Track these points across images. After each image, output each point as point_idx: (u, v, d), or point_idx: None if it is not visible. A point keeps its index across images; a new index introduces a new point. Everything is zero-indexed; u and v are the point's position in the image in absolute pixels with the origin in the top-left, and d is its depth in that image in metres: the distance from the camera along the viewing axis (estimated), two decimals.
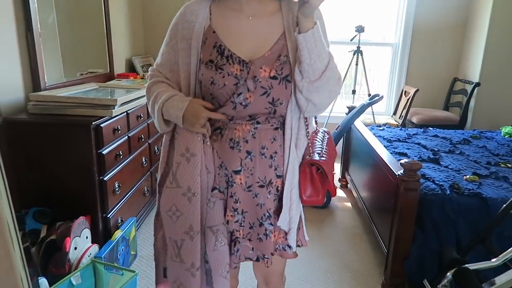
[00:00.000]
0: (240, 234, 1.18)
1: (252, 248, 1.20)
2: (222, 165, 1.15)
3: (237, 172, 1.14)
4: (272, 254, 1.20)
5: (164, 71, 1.18)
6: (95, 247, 1.91)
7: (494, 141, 2.92)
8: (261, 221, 1.17)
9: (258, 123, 1.13)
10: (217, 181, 1.17)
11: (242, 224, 1.18)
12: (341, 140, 3.25)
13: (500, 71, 3.84)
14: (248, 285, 2.01)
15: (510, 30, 3.75)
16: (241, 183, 1.15)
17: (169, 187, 1.14)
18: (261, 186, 1.16)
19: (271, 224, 1.18)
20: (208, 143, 1.13)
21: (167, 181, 1.14)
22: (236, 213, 1.16)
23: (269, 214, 1.17)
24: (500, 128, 3.22)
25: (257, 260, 1.20)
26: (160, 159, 1.21)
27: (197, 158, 1.10)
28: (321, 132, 1.33)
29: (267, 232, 1.17)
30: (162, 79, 1.17)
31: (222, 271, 1.15)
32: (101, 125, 1.96)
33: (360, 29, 3.69)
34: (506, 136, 3.05)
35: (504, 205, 1.64)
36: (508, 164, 2.36)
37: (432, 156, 2.45)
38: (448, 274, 1.51)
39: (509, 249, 1.49)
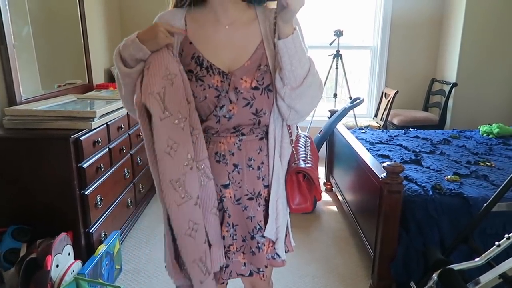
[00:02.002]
0: (233, 248, 1.16)
1: (244, 263, 1.18)
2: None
3: (226, 186, 1.13)
4: (266, 267, 1.19)
5: None
6: (78, 263, 1.86)
7: (473, 140, 2.98)
8: (252, 234, 1.16)
9: (242, 134, 1.12)
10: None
11: (235, 238, 1.16)
12: (324, 144, 3.26)
13: (475, 70, 3.94)
14: None
15: (483, 31, 3.85)
16: (230, 197, 1.13)
17: (163, 117, 1.02)
18: (250, 199, 1.15)
19: (262, 236, 1.17)
20: (180, 64, 1.06)
21: (159, 113, 1.02)
22: (229, 227, 1.14)
23: (260, 226, 1.16)
24: (478, 127, 3.29)
25: (251, 274, 1.18)
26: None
27: (178, 78, 1.04)
28: (303, 137, 1.33)
29: (259, 245, 1.16)
30: None
31: (212, 207, 1.10)
32: (81, 138, 1.92)
33: (338, 33, 3.73)
34: (484, 135, 3.12)
35: (485, 204, 1.66)
36: (487, 163, 2.41)
37: (413, 157, 2.48)
38: (433, 275, 1.53)
39: (492, 248, 1.51)
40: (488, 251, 1.52)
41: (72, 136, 1.86)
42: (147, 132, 1.06)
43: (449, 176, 2.14)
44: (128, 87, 1.08)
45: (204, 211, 1.09)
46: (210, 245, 1.11)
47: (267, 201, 1.18)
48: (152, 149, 1.05)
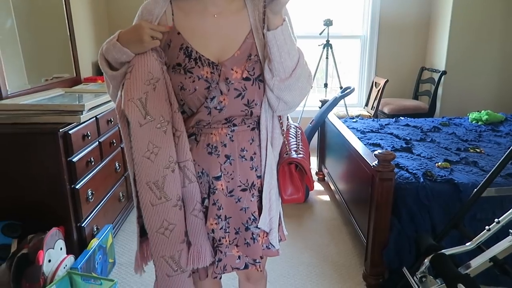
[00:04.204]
0: (226, 241, 1.15)
1: (239, 257, 1.17)
2: (203, 172, 1.12)
3: (217, 178, 1.12)
4: (262, 257, 1.19)
5: None
6: (71, 258, 1.85)
7: (463, 127, 3.01)
8: (246, 225, 1.15)
9: (234, 125, 1.11)
10: (201, 189, 1.13)
11: (227, 230, 1.15)
12: (316, 134, 3.27)
13: (464, 58, 3.97)
14: (230, 286, 2.00)
15: (471, 19, 3.87)
16: (222, 188, 1.12)
17: (144, 123, 1.02)
18: (244, 190, 1.14)
19: (257, 227, 1.16)
20: (164, 65, 1.05)
21: (139, 119, 1.02)
22: (220, 219, 1.13)
23: (254, 217, 1.16)
24: (468, 114, 3.32)
25: (246, 267, 1.18)
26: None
27: (161, 82, 1.03)
28: (293, 128, 1.32)
29: (254, 236, 1.16)
30: None
31: (193, 209, 1.11)
32: (69, 132, 1.89)
33: (328, 23, 3.72)
34: (473, 122, 3.15)
35: (475, 190, 1.68)
36: (476, 149, 2.43)
37: (404, 145, 2.50)
38: (425, 260, 1.54)
39: (482, 233, 1.53)
40: (478, 236, 1.54)
41: (60, 130, 1.83)
42: (126, 136, 1.07)
43: (439, 163, 2.16)
44: (115, 89, 1.08)
45: (186, 212, 1.11)
46: (189, 245, 1.13)
47: (260, 191, 1.18)
48: (131, 151, 1.06)
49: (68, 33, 2.89)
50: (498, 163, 1.61)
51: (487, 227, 1.52)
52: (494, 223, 1.51)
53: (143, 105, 1.01)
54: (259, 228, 1.17)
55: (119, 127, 1.11)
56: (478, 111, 3.23)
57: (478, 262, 1.46)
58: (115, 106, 1.07)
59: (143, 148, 1.03)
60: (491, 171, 1.63)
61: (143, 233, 1.14)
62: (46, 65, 2.67)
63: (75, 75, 2.96)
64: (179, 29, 1.06)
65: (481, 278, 1.50)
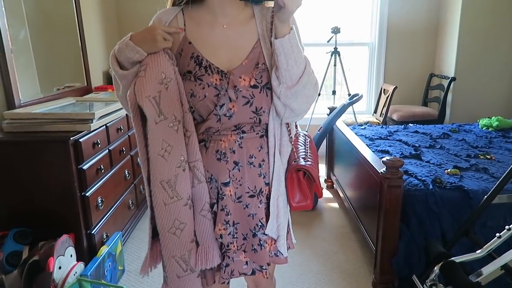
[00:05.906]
0: (234, 247, 1.16)
1: (246, 262, 1.18)
2: (212, 177, 1.13)
3: (226, 184, 1.13)
4: (269, 264, 1.19)
5: None
6: (81, 265, 1.87)
7: (473, 134, 2.98)
8: (254, 231, 1.16)
9: (243, 132, 1.12)
10: (210, 194, 1.15)
11: (235, 236, 1.16)
12: (324, 141, 3.26)
13: (474, 64, 3.94)
14: None
15: (480, 24, 3.85)
16: (230, 194, 1.14)
17: (158, 120, 1.04)
18: (252, 196, 1.15)
19: (264, 233, 1.17)
20: (175, 66, 1.07)
21: (154, 116, 1.05)
22: (228, 225, 1.14)
23: (261, 223, 1.16)
24: (478, 121, 3.29)
25: (253, 273, 1.18)
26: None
27: (173, 82, 1.05)
28: (302, 136, 1.33)
29: (261, 242, 1.16)
30: None
31: (202, 209, 1.12)
32: (80, 140, 1.92)
33: (336, 30, 3.73)
34: (484, 128, 3.11)
35: (485, 197, 1.66)
36: (487, 156, 2.41)
37: (413, 152, 2.48)
38: (435, 268, 1.52)
39: (493, 240, 1.51)
40: (489, 243, 1.52)
41: (71, 138, 1.86)
42: (140, 134, 1.09)
43: (449, 170, 2.14)
44: (125, 89, 1.09)
45: (194, 213, 1.12)
46: (197, 245, 1.13)
47: (268, 198, 1.19)
48: (144, 150, 1.08)
49: (80, 44, 2.95)
50: (509, 169, 1.60)
51: (497, 234, 1.50)
52: (505, 230, 1.49)
53: (157, 103, 1.04)
54: (266, 235, 1.17)
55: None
56: (488, 117, 3.20)
57: (489, 270, 1.44)
58: (128, 100, 1.05)
59: (158, 146, 1.05)
60: (502, 178, 1.62)
61: (154, 235, 1.16)
62: (58, 75, 2.72)
63: (86, 84, 3.02)
64: (190, 39, 1.10)
65: (493, 286, 1.47)
